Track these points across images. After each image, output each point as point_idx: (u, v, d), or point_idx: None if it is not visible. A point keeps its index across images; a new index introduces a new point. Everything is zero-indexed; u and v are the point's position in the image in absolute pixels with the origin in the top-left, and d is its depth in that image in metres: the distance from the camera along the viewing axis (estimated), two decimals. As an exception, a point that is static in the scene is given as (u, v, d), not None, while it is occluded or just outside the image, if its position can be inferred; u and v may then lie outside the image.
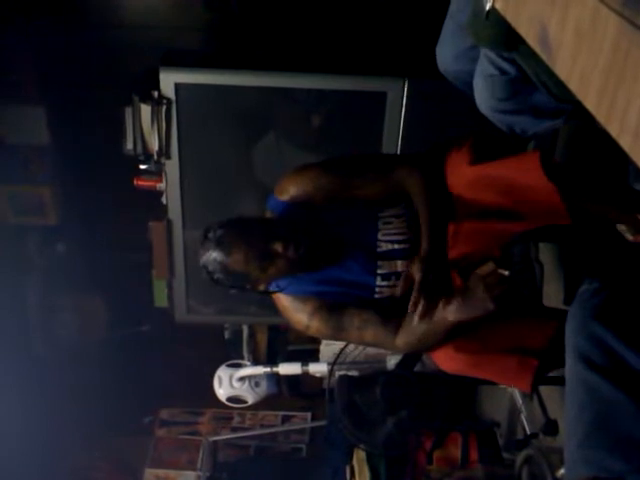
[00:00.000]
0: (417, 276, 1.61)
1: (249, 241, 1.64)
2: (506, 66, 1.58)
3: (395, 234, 1.74)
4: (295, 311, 1.75)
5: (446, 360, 1.71)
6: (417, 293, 1.60)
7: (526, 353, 1.66)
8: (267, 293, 1.77)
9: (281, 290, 1.75)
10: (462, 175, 1.69)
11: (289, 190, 1.75)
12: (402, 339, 1.69)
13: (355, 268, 1.74)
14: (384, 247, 1.73)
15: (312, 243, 1.68)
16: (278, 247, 1.63)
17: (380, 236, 1.73)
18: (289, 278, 1.73)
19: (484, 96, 1.70)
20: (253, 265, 1.64)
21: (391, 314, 1.72)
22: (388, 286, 1.74)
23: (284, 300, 1.76)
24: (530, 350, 1.66)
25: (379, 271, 1.73)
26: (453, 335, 1.63)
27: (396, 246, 1.74)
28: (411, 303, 1.60)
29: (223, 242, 1.64)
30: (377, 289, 1.74)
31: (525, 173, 1.61)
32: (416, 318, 1.61)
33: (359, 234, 1.75)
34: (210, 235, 1.66)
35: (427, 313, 1.60)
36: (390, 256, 1.74)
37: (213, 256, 1.64)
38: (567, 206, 1.57)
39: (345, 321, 1.72)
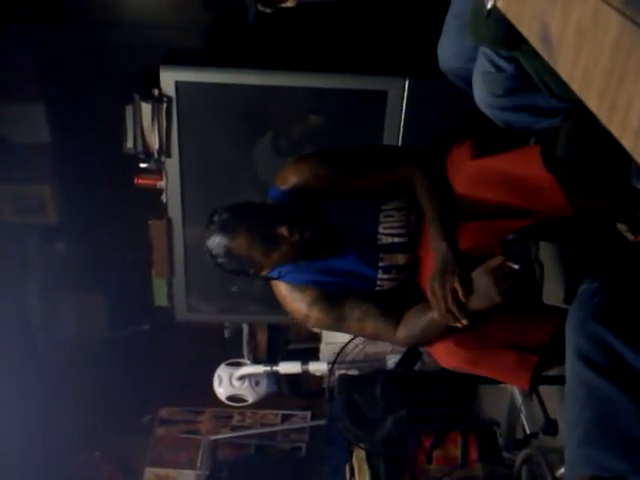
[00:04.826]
0: (455, 283, 1.52)
1: (254, 224, 1.63)
2: (503, 64, 1.58)
3: (395, 227, 1.73)
4: (294, 300, 1.74)
5: (445, 356, 1.71)
6: (450, 305, 1.53)
7: (526, 350, 1.65)
8: (269, 279, 1.75)
9: (281, 277, 1.73)
10: (464, 170, 1.69)
11: (290, 179, 1.74)
12: (403, 332, 1.68)
13: (357, 260, 1.73)
14: (384, 240, 1.73)
15: (316, 229, 1.66)
16: (283, 231, 1.61)
17: (381, 229, 1.73)
18: (291, 265, 1.71)
19: (481, 92, 1.70)
20: (257, 249, 1.62)
21: (392, 307, 1.71)
22: (389, 279, 1.74)
23: (283, 289, 1.75)
24: (530, 347, 1.66)
25: (380, 264, 1.73)
26: (453, 329, 1.62)
27: (396, 239, 1.73)
28: (450, 316, 1.53)
29: (228, 225, 1.63)
30: (378, 282, 1.73)
31: (526, 165, 1.60)
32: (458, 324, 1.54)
33: (360, 226, 1.74)
34: (215, 218, 1.65)
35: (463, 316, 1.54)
36: (390, 249, 1.73)
37: (217, 240, 1.63)
38: (568, 198, 1.57)
39: (345, 312, 1.70)
